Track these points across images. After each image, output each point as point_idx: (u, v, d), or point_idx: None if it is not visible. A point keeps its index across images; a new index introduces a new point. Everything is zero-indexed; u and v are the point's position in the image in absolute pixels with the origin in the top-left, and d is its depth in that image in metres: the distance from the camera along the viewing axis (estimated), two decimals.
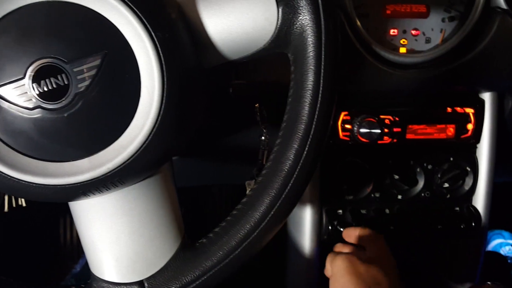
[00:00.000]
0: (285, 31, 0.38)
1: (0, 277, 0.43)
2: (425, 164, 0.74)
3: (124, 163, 0.35)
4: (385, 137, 0.69)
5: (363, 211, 0.74)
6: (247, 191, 0.56)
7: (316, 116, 0.38)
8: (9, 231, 1.04)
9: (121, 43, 0.34)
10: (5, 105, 0.34)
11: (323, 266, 0.62)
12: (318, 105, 0.37)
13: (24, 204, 0.60)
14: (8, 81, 0.33)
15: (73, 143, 0.35)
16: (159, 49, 0.34)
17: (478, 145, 0.75)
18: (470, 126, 0.73)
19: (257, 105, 0.58)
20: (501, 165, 0.77)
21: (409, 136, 0.71)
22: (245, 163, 0.68)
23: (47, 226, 1.22)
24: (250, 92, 0.59)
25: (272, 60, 0.58)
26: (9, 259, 1.07)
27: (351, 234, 0.65)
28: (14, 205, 0.61)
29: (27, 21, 0.34)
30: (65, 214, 1.23)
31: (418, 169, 0.74)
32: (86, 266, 1.19)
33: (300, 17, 0.37)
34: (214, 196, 1.17)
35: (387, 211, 0.74)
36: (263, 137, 0.59)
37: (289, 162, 0.38)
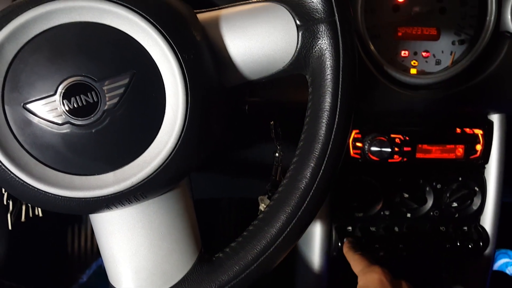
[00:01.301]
0: (304, 54, 0.39)
1: (11, 284, 0.44)
2: (434, 183, 0.75)
3: (147, 177, 0.37)
4: (395, 156, 0.70)
5: (373, 229, 0.75)
6: (260, 206, 0.57)
7: (332, 137, 0.39)
8: (18, 239, 1.05)
9: (149, 63, 0.36)
10: (35, 120, 0.35)
11: (332, 283, 0.63)
12: (335, 126, 0.39)
13: (40, 214, 0.61)
14: (39, 97, 0.35)
15: (99, 157, 0.36)
16: (185, 69, 0.36)
17: (486, 166, 0.76)
18: (479, 147, 0.74)
19: (272, 122, 0.60)
20: (509, 185, 0.77)
21: (419, 155, 0.72)
22: (256, 179, 0.69)
23: (55, 235, 1.23)
24: (265, 110, 0.60)
25: (286, 79, 0.60)
26: (17, 266, 1.07)
27: (349, 255, 0.67)
28: (30, 214, 0.62)
29: (60, 40, 0.35)
30: (73, 224, 1.24)
31: (427, 188, 0.75)
32: (92, 276, 1.20)
33: (319, 41, 0.39)
34: (223, 209, 1.17)
35: (396, 229, 0.75)
36: (277, 154, 0.60)
37: (306, 180, 0.39)
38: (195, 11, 0.40)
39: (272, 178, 0.61)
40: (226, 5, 0.41)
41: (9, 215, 0.60)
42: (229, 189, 0.80)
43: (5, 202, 0.58)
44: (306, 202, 0.40)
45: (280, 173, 0.61)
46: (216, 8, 0.41)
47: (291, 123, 0.55)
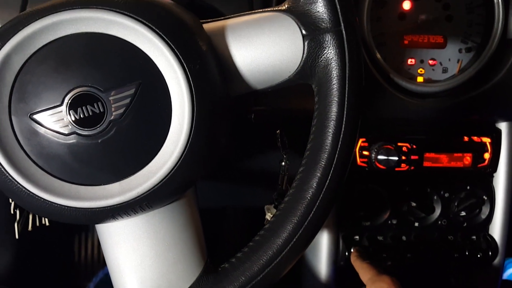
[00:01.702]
0: (310, 64, 0.39)
1: None
2: (442, 192, 0.74)
3: (153, 187, 0.37)
4: (403, 165, 0.69)
5: (380, 238, 0.74)
6: (267, 216, 0.57)
7: (339, 147, 0.39)
8: (26, 248, 1.06)
9: (155, 73, 0.36)
10: (42, 130, 0.35)
11: None
12: (342, 136, 0.38)
13: (47, 223, 0.61)
14: (45, 108, 0.35)
15: (105, 168, 0.36)
16: (191, 80, 0.36)
17: (494, 174, 0.75)
18: (487, 155, 0.73)
19: (278, 131, 0.59)
20: None
21: (426, 164, 0.72)
22: (262, 188, 0.69)
23: (62, 244, 1.23)
24: (271, 119, 0.60)
25: (292, 88, 0.60)
26: (24, 275, 1.07)
27: (357, 264, 0.66)
28: (37, 224, 0.62)
29: (66, 51, 0.35)
30: (80, 232, 1.24)
31: (435, 197, 0.74)
32: (99, 284, 1.19)
33: (325, 51, 0.38)
34: (229, 218, 1.17)
35: (404, 238, 0.75)
36: (283, 163, 0.60)
37: (312, 190, 0.39)
38: (201, 21, 0.40)
39: (279, 187, 0.60)
40: (232, 15, 0.41)
41: (16, 224, 0.60)
42: (235, 198, 0.80)
43: (12, 211, 0.58)
44: (313, 212, 0.39)
45: (286, 182, 0.61)
46: (222, 18, 0.41)
47: (297, 131, 0.55)
